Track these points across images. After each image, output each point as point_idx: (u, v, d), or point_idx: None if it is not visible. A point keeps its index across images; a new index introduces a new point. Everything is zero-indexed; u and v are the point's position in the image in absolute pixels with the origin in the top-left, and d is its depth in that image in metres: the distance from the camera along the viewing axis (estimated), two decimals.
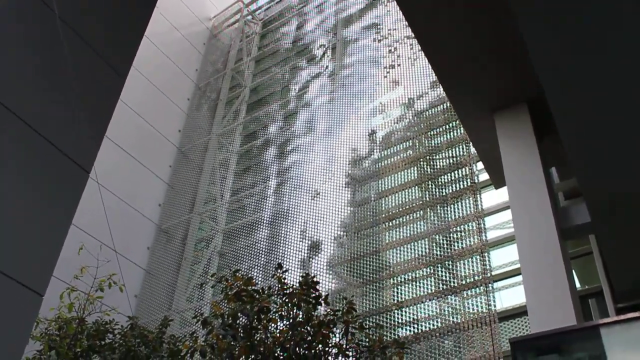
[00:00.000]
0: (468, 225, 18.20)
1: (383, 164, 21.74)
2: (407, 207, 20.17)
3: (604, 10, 7.89)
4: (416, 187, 20.34)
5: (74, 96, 6.42)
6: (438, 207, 19.37)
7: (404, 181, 20.84)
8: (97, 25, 7.01)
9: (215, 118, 30.11)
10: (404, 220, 19.92)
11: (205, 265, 24.17)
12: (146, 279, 25.07)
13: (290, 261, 21.17)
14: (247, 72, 31.72)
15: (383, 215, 20.49)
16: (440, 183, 20.04)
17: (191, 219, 26.42)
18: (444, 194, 19.52)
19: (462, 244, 18.04)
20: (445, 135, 20.68)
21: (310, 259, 20.66)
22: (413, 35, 12.72)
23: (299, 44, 30.16)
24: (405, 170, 20.94)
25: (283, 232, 22.64)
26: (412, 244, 19.00)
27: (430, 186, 20.13)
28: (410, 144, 21.56)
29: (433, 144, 20.92)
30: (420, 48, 12.98)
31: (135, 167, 26.59)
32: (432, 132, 21.21)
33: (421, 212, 19.67)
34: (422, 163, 20.76)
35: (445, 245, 18.34)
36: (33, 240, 5.83)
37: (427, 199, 19.86)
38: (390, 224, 20.19)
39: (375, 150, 22.22)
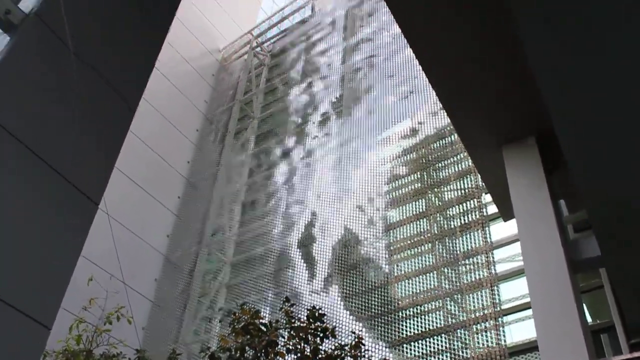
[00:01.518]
0: (477, 258, 18.11)
1: (391, 196, 21.72)
2: (416, 239, 20.04)
3: (604, 10, 7.82)
4: (424, 220, 20.22)
5: (83, 127, 6.49)
6: (446, 240, 19.29)
7: (412, 213, 20.72)
8: (109, 56, 7.09)
9: (223, 149, 30.20)
10: (412, 252, 19.84)
11: (213, 297, 23.99)
12: (153, 311, 24.92)
13: (299, 294, 21.01)
14: (255, 104, 31.95)
15: (392, 248, 20.37)
16: (448, 215, 19.95)
17: (199, 251, 26.24)
18: (453, 226, 19.42)
19: (471, 277, 17.93)
20: (453, 167, 20.71)
21: (319, 292, 20.53)
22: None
23: (307, 78, 30.33)
24: (413, 203, 20.86)
25: (291, 264, 22.53)
26: (421, 277, 18.88)
27: (438, 218, 20.06)
28: (418, 176, 21.52)
29: (441, 176, 20.92)
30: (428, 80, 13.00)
31: (144, 198, 26.65)
32: (440, 164, 21.22)
33: (429, 245, 19.55)
34: (430, 195, 20.69)
35: (454, 279, 18.25)
36: (41, 271, 5.83)
37: (436, 232, 19.76)
38: (399, 256, 20.08)
39: (383, 184, 22.25)
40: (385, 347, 17.86)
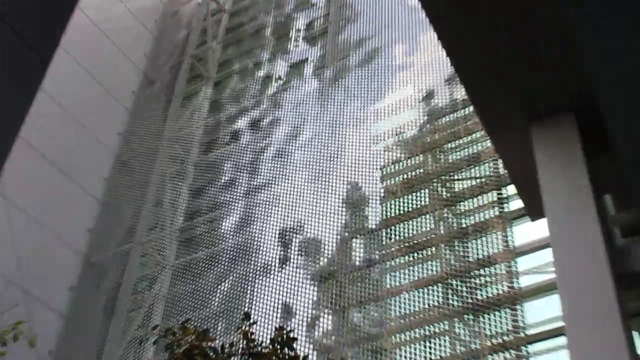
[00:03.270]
0: (495, 268, 18.17)
1: (385, 184, 21.83)
2: (416, 241, 19.99)
3: None
4: (427, 216, 20.37)
5: None
6: (456, 243, 19.38)
7: (412, 207, 20.73)
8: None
9: (167, 119, 29.81)
10: (411, 259, 19.78)
11: (147, 312, 23.66)
12: (66, 330, 24.47)
13: (261, 310, 20.86)
14: (211, 60, 31.76)
15: (384, 252, 20.30)
16: (459, 212, 19.98)
17: (130, 251, 25.85)
18: (464, 225, 19.50)
19: (487, 292, 17.96)
20: (467, 150, 20.79)
21: (288, 309, 20.46)
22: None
23: (279, 24, 30.59)
24: (414, 194, 20.90)
25: (252, 269, 22.45)
26: (421, 290, 18.77)
27: (446, 215, 20.05)
28: (421, 159, 21.31)
29: (451, 161, 20.98)
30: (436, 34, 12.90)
31: (58, 181, 26.24)
32: (450, 145, 21.31)
33: (434, 249, 19.61)
34: (435, 184, 20.71)
35: (464, 294, 18.19)
36: None
37: (442, 232, 19.88)
38: (393, 263, 20.02)
39: (375, 167, 22.34)
40: None
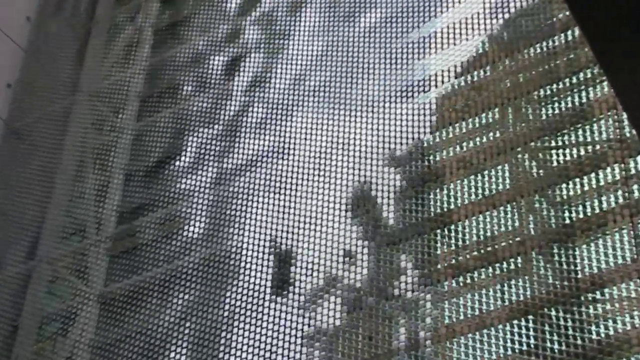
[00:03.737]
0: None
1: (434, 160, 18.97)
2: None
3: None
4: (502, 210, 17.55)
5: None
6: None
7: (477, 196, 17.85)
8: None
9: (85, 61, 26.76)
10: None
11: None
12: None
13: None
14: None
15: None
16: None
17: (32, 274, 22.83)
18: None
19: None
20: (569, 99, 17.63)
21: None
22: None
23: None
24: (478, 176, 18.08)
25: (233, 300, 19.10)
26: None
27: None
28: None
29: (544, 117, 17.88)
30: None
31: None
32: (541, 93, 18.13)
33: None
34: (520, 156, 17.74)
35: None
36: None
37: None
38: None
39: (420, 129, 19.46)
40: None
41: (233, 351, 18.29)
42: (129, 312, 20.79)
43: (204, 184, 22.34)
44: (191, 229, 21.51)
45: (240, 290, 19.41)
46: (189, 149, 23.73)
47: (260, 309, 18.78)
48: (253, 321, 18.65)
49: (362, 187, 19.69)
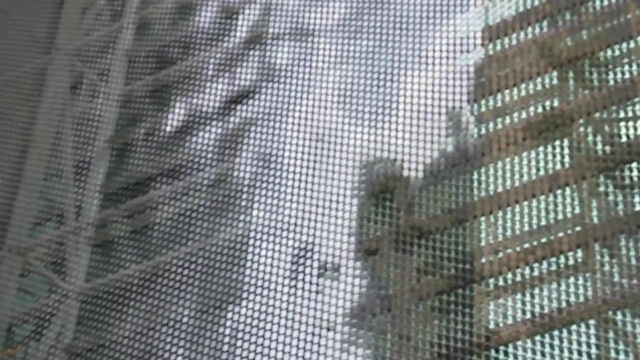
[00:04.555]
0: None
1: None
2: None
3: None
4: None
5: None
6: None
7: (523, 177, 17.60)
8: None
9: (62, 16, 26.81)
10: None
11: None
12: None
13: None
14: None
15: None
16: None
17: (49, 66, 24.34)
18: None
19: None
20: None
21: None
22: None
23: None
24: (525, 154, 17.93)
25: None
26: None
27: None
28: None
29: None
30: None
31: None
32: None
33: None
34: (581, 126, 17.30)
35: None
36: None
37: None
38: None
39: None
40: None
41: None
42: (114, 313, 20.16)
43: (204, 159, 21.89)
44: (188, 213, 21.10)
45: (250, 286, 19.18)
46: (186, 117, 23.04)
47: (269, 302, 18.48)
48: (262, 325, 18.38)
49: (391, 165, 19.40)
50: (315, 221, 19.98)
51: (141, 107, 23.41)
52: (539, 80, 18.31)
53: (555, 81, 17.99)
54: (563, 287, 16.52)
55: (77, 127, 24.29)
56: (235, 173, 22.05)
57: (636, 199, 16.52)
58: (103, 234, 22.44)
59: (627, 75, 17.36)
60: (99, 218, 22.72)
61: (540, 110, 18.01)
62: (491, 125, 18.59)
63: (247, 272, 19.89)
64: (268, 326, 19.43)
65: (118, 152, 24.01)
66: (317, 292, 18.71)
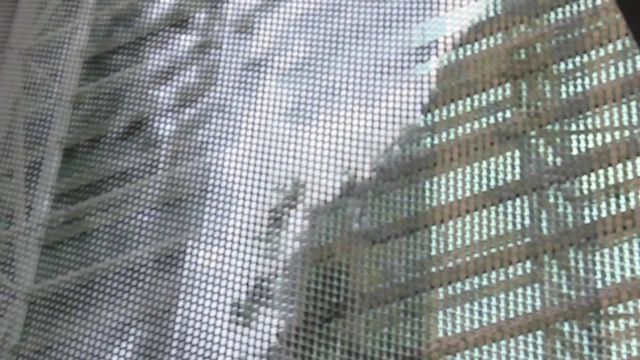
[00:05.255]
0: None
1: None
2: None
3: None
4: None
5: None
6: None
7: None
8: None
9: (16, 13, 25.19)
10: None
11: None
12: None
13: None
14: None
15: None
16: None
17: (1, 65, 24.01)
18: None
19: None
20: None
21: None
22: None
23: None
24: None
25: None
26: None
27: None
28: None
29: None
30: None
31: None
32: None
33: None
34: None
35: None
36: None
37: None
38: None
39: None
40: None
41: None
42: (62, 315, 20.09)
43: (158, 162, 22.02)
44: (140, 217, 21.16)
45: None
46: (141, 119, 23.19)
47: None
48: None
49: (346, 172, 19.29)
50: (267, 227, 20.17)
51: (95, 109, 23.12)
52: (492, 91, 18.43)
53: (508, 93, 18.12)
54: (512, 298, 16.72)
55: (29, 128, 23.93)
56: (183, 181, 21.71)
57: (586, 212, 16.77)
58: (53, 234, 22.35)
59: (579, 89, 17.54)
60: (49, 219, 22.54)
61: (492, 121, 18.17)
62: (443, 135, 18.57)
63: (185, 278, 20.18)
64: (211, 329, 19.68)
65: (69, 153, 23.72)
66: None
